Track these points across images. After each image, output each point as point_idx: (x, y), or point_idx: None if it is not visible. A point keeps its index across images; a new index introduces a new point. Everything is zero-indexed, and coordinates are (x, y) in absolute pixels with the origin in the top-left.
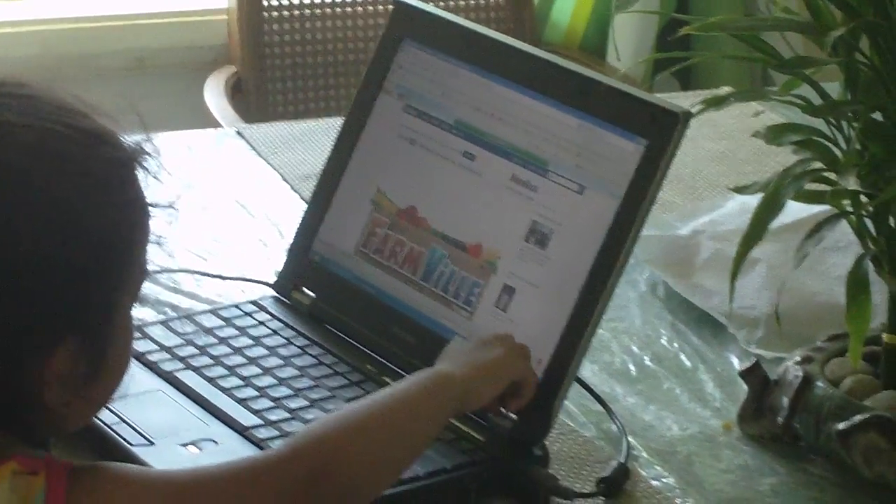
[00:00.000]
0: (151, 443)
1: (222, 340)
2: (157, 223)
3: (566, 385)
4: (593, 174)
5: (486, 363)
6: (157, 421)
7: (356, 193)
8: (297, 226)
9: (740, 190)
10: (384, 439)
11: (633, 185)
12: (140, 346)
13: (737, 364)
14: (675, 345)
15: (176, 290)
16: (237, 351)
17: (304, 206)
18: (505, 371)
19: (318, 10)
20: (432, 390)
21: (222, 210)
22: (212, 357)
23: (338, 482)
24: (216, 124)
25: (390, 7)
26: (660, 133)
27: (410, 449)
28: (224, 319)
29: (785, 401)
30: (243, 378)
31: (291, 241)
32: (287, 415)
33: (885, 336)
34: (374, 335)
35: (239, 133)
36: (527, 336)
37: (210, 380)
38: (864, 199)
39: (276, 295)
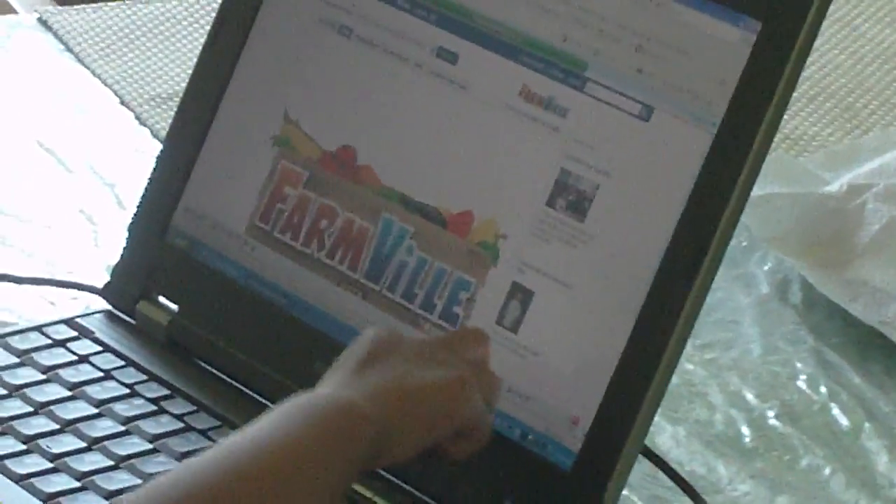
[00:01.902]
0: None
1: (14, 391)
2: None
3: (625, 464)
4: (667, 85)
5: (420, 389)
6: None
7: (246, 127)
8: (145, 186)
9: None
10: None
11: (737, 104)
12: None
13: None
14: (822, 389)
15: None
16: (40, 409)
17: (157, 152)
18: (452, 405)
19: None
20: (324, 435)
21: (14, 156)
22: None
23: None
24: (8, 9)
25: None
26: (783, 8)
27: None
28: (17, 353)
29: None
30: (51, 458)
31: (135, 213)
32: None
33: None
34: (282, 376)
35: (43, 21)
36: (553, 375)
37: None
38: None
39: (110, 308)
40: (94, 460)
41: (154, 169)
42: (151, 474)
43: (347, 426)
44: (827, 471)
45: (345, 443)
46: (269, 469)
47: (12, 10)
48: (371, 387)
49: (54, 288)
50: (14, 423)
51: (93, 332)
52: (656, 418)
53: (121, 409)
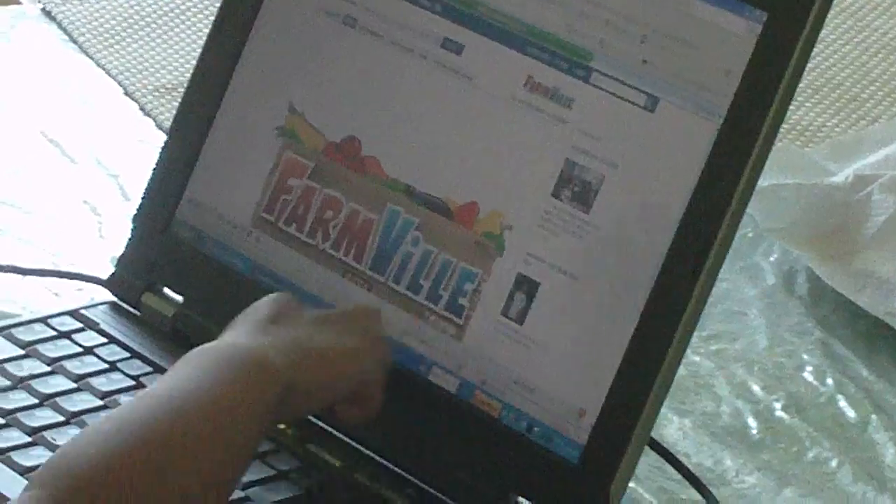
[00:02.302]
0: None
1: (19, 383)
2: None
3: (632, 456)
4: (673, 76)
5: (324, 350)
6: None
7: (251, 118)
8: (150, 177)
9: None
10: (159, 464)
11: (742, 95)
12: None
13: None
14: (829, 381)
15: None
16: (45, 401)
17: (161, 143)
18: (351, 369)
19: None
20: (241, 385)
21: (18, 147)
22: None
23: None
24: None
25: None
26: (789, 0)
27: (205, 480)
28: (21, 344)
29: None
30: (55, 448)
31: (139, 204)
32: None
33: None
34: None
35: (46, 12)
36: (559, 367)
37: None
38: None
39: (115, 299)
40: None
41: (158, 160)
42: None
43: (261, 376)
44: (834, 463)
45: (258, 392)
46: (185, 422)
47: (16, 1)
48: (279, 341)
49: (59, 279)
50: (19, 415)
51: (98, 324)
52: (662, 410)
53: (125, 401)
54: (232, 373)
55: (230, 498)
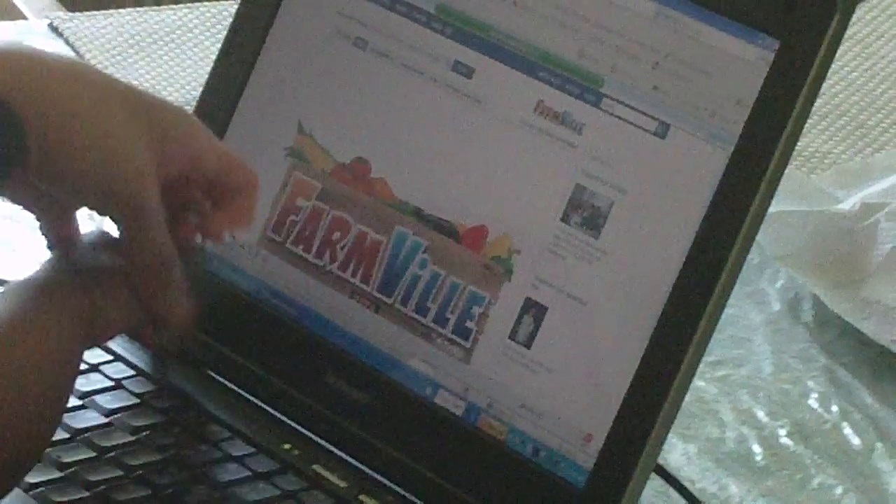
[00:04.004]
0: None
1: None
2: None
3: (638, 481)
4: (684, 102)
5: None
6: None
7: (260, 138)
8: None
9: None
10: None
11: (753, 123)
12: None
13: None
14: (834, 408)
15: None
16: None
17: None
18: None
19: None
20: (36, 302)
21: None
22: None
23: None
24: (17, 14)
25: None
26: (802, 28)
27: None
28: None
29: None
30: (61, 467)
31: None
32: None
33: None
34: (295, 389)
35: (54, 28)
36: (566, 392)
37: None
38: None
39: None
40: (106, 470)
41: None
42: (163, 485)
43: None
44: (838, 490)
45: (58, 309)
46: None
47: (23, 17)
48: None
49: None
50: None
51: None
52: (669, 437)
53: (131, 419)
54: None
55: None
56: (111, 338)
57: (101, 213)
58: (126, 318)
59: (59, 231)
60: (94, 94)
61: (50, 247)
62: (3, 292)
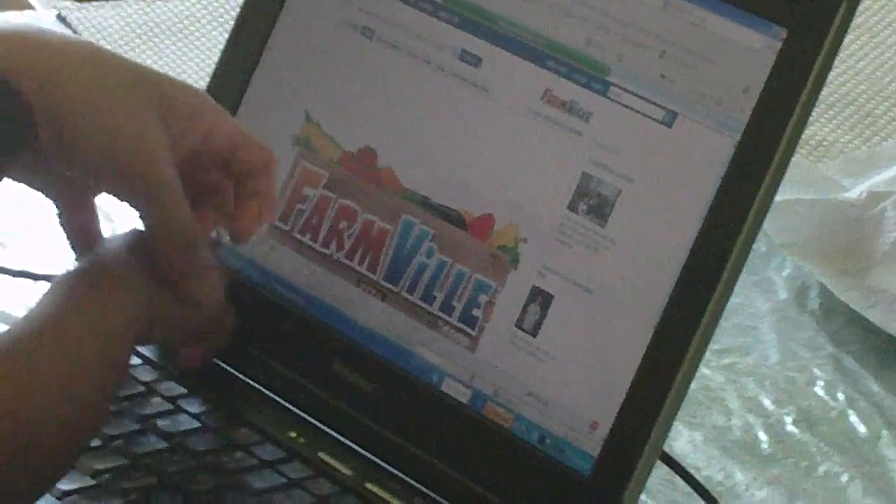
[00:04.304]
0: None
1: None
2: None
3: (644, 469)
4: (691, 90)
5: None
6: None
7: (267, 127)
8: None
9: None
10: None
11: (760, 112)
12: None
13: None
14: (840, 396)
15: None
16: None
17: None
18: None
19: None
20: (85, 297)
21: None
22: None
23: None
24: (25, 4)
25: None
26: (808, 16)
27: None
28: None
29: None
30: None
31: None
32: None
33: None
34: (303, 378)
35: (61, 18)
36: (572, 379)
37: None
38: None
39: None
40: (112, 458)
41: None
42: (169, 473)
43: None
44: (844, 478)
45: (110, 304)
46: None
47: (30, 7)
48: None
49: None
50: None
51: None
52: (675, 424)
53: (137, 407)
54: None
55: None
56: (161, 342)
57: (118, 196)
58: (178, 319)
59: (78, 222)
60: (102, 72)
61: (72, 245)
62: (51, 285)
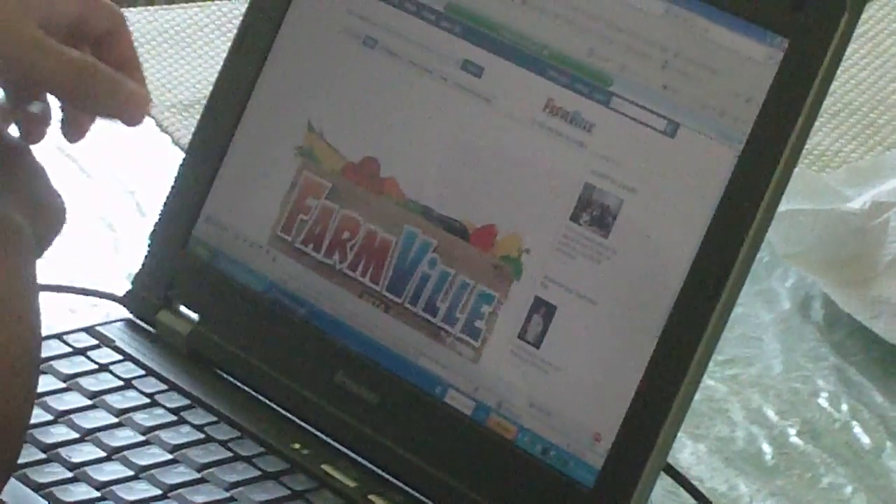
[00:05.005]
0: None
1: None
2: None
3: (647, 481)
4: (693, 101)
5: None
6: None
7: (269, 137)
8: (168, 195)
9: None
10: None
11: (763, 122)
12: None
13: None
14: (844, 407)
15: None
16: (59, 418)
17: (178, 159)
18: None
19: None
20: None
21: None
22: None
23: None
24: None
25: None
26: (811, 27)
27: None
28: None
29: None
30: (71, 467)
31: (157, 221)
32: None
33: None
34: (304, 388)
35: None
36: (576, 391)
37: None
38: None
39: (131, 317)
40: (114, 470)
41: (176, 178)
42: (172, 485)
43: None
44: (848, 489)
45: None
46: None
47: None
48: None
49: (74, 295)
50: (33, 431)
51: (113, 341)
52: (678, 435)
53: (141, 418)
54: None
55: None
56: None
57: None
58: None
59: None
60: None
61: None
62: None
